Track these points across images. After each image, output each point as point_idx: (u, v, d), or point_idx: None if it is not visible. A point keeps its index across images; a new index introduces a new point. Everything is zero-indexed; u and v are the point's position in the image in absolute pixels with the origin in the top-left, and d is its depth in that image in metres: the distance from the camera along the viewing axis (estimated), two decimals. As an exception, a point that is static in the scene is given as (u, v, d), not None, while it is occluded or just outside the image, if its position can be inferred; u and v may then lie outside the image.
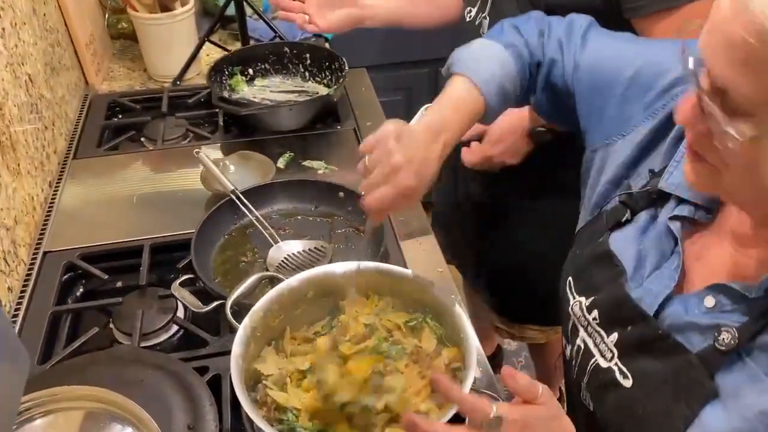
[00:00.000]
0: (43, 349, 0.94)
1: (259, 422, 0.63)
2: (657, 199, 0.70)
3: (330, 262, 1.04)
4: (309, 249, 1.07)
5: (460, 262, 1.50)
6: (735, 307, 0.59)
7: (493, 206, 1.32)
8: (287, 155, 1.33)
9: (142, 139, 1.44)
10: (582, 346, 0.72)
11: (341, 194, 1.17)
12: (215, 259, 1.08)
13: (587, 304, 0.71)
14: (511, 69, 0.83)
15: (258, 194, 1.15)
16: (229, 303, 0.78)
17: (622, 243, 0.71)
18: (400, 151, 0.78)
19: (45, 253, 1.11)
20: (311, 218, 1.17)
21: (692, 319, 0.61)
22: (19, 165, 1.12)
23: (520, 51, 0.84)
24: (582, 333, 0.72)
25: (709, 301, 0.60)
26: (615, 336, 0.67)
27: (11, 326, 0.60)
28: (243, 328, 0.73)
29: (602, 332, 0.69)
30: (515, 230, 1.32)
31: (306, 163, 1.32)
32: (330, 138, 1.41)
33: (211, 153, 1.31)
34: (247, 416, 0.65)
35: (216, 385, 0.87)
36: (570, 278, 0.77)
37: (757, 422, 0.55)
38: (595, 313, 0.70)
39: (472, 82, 0.81)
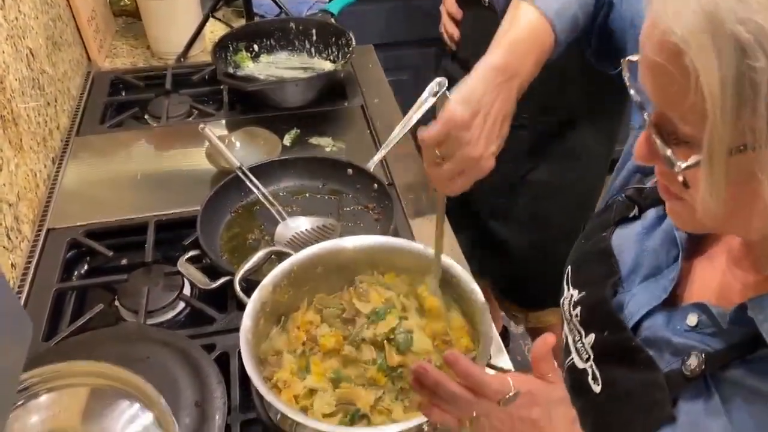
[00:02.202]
0: (48, 326, 0.93)
1: (269, 397, 0.61)
2: None
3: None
4: (317, 226, 1.05)
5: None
6: (714, 331, 0.54)
7: (502, 179, 1.28)
8: (294, 132, 1.31)
9: (146, 116, 1.42)
10: (564, 341, 0.69)
11: (350, 171, 1.14)
12: (222, 237, 1.06)
13: (576, 299, 0.68)
14: None
15: (265, 171, 1.13)
16: (237, 278, 0.76)
17: (625, 241, 0.66)
18: (477, 138, 0.67)
19: (49, 230, 1.09)
20: (319, 196, 1.14)
21: (669, 336, 0.57)
22: (21, 141, 1.10)
23: None
24: (566, 328, 0.69)
25: (692, 320, 0.55)
26: (592, 337, 0.63)
27: (12, 293, 0.58)
28: (252, 303, 0.71)
29: (582, 331, 0.65)
30: (535, 205, 1.29)
31: (313, 140, 1.29)
32: (337, 115, 1.39)
33: (216, 130, 1.28)
34: (257, 391, 0.63)
35: (224, 362, 0.86)
36: (569, 268, 0.72)
37: None
38: (579, 309, 0.66)
39: (545, 16, 0.72)
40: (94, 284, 1.02)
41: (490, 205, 1.34)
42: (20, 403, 0.71)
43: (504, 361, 0.87)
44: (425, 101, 1.13)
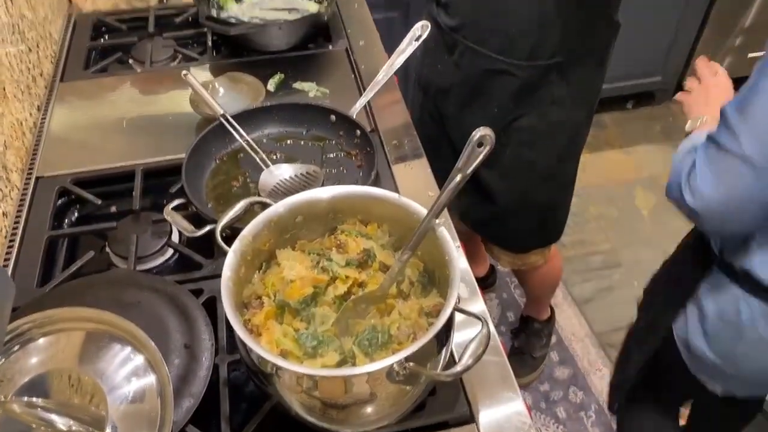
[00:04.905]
0: (42, 273, 0.97)
1: (248, 341, 0.65)
2: None
3: (322, 186, 1.04)
4: (300, 173, 1.07)
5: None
6: None
7: (489, 126, 1.30)
8: (277, 76, 1.30)
9: (130, 60, 1.41)
10: None
11: (333, 118, 1.15)
12: (207, 184, 1.08)
13: None
14: None
15: (248, 118, 1.14)
16: (218, 228, 0.78)
17: None
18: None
19: (38, 178, 1.11)
20: (302, 142, 1.16)
21: None
22: (4, 89, 1.10)
23: None
24: None
25: None
26: None
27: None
28: (233, 253, 0.74)
29: None
30: (519, 151, 1.30)
31: (297, 84, 1.29)
32: (321, 59, 1.38)
33: (200, 74, 1.29)
34: (238, 336, 0.67)
35: (211, 306, 0.90)
36: None
37: None
38: None
39: None
40: (85, 232, 1.05)
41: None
42: (18, 347, 0.76)
43: (479, 306, 0.91)
44: (406, 48, 1.14)
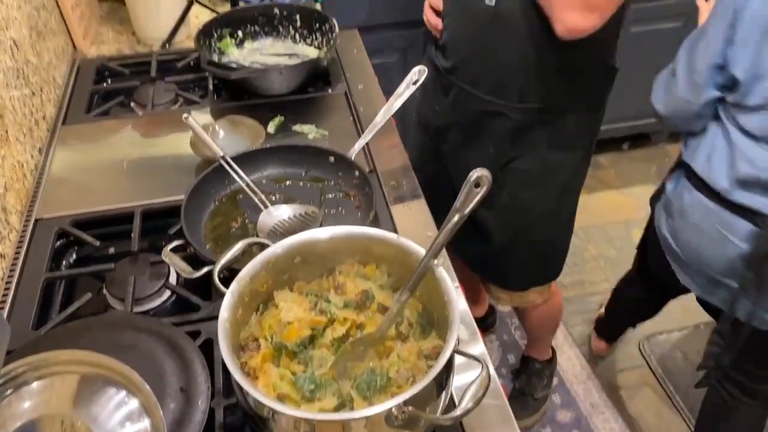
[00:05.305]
0: (38, 315, 0.96)
1: (245, 384, 0.64)
2: None
3: (320, 226, 1.05)
4: (299, 214, 1.07)
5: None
6: None
7: (486, 167, 1.31)
8: (277, 119, 1.32)
9: (132, 104, 1.43)
10: None
11: (332, 159, 1.16)
12: (206, 225, 1.09)
13: None
14: None
15: (248, 160, 1.15)
16: (216, 269, 0.78)
17: None
18: None
19: (37, 220, 1.11)
20: (301, 183, 1.17)
21: None
22: (7, 132, 1.12)
23: None
24: None
25: None
26: None
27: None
28: (230, 294, 0.74)
29: None
30: (517, 192, 1.31)
31: (296, 127, 1.31)
32: (321, 102, 1.40)
33: (200, 117, 1.30)
34: (235, 379, 0.66)
35: (208, 348, 0.89)
36: None
37: None
38: None
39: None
40: (82, 273, 1.05)
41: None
42: (11, 390, 0.74)
43: (479, 348, 0.90)
44: (404, 91, 1.16)
